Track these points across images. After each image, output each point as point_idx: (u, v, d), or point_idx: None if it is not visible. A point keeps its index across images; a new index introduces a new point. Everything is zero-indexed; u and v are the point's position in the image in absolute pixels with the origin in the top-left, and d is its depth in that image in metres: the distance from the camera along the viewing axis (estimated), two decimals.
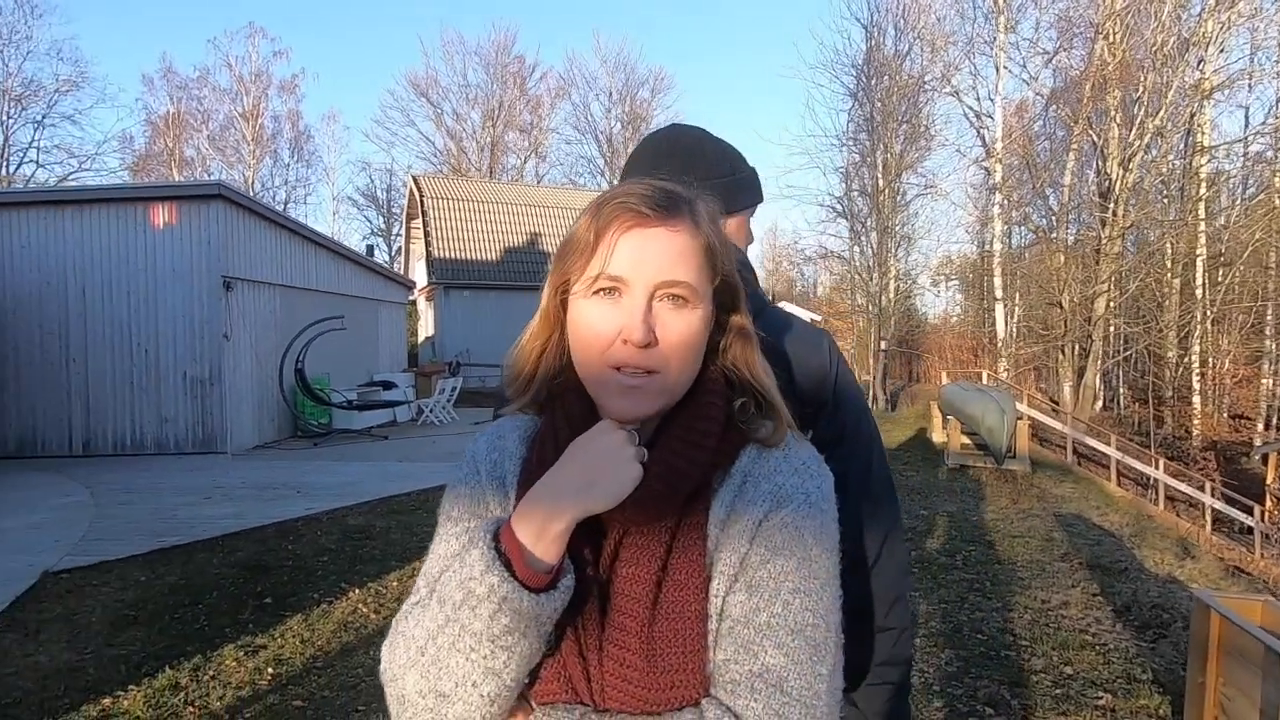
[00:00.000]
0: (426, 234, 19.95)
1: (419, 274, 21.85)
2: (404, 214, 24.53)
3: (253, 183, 32.25)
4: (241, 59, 32.43)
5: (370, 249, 19.07)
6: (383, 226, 37.79)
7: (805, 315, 33.93)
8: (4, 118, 26.01)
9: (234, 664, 3.49)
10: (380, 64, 50.36)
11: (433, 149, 35.55)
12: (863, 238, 17.46)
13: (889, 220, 17.09)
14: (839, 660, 0.71)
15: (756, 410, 0.76)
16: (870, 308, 17.34)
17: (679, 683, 0.66)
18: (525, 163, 37.56)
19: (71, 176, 26.48)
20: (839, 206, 17.78)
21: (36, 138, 27.18)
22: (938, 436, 11.36)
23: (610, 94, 38.03)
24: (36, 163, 26.80)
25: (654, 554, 0.69)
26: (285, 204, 33.58)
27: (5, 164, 25.92)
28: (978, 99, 18.36)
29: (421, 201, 20.35)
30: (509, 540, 0.65)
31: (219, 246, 9.48)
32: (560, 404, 0.76)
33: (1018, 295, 19.55)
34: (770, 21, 57.92)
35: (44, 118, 26.77)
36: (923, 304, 26.17)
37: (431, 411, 12.81)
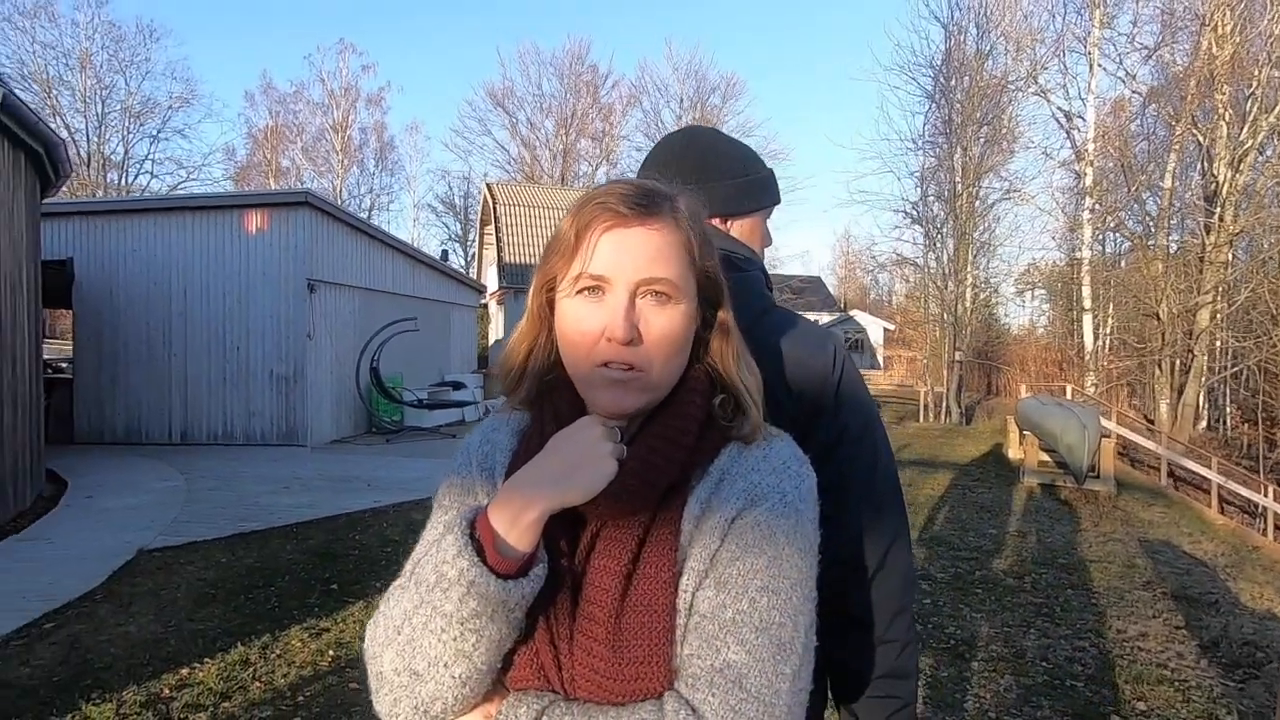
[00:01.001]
0: (498, 239, 20.53)
1: (491, 278, 22.48)
2: (478, 220, 25.31)
3: (340, 191, 34.01)
4: (333, 74, 34.32)
5: (445, 254, 19.78)
6: (459, 232, 39.10)
7: (878, 324, 32.93)
8: (125, 133, 28.46)
9: (299, 644, 3.69)
10: (460, 76, 52.65)
11: (507, 157, 36.53)
12: (938, 244, 16.82)
13: (966, 226, 16.39)
14: (806, 662, 0.71)
15: (737, 408, 0.77)
16: (945, 317, 16.66)
17: (644, 674, 0.67)
18: (596, 169, 38.08)
19: (180, 186, 28.74)
20: (914, 212, 17.20)
21: (152, 151, 29.63)
22: (1013, 453, 10.81)
23: (681, 101, 38.09)
24: (151, 174, 29.21)
25: (626, 547, 0.70)
26: (370, 211, 35.26)
27: (125, 174, 28.36)
28: (1067, 98, 17.41)
29: (494, 208, 20.96)
30: (484, 527, 0.67)
31: (304, 251, 10.07)
32: (549, 400, 0.79)
33: (1110, 305, 18.37)
34: (843, 24, 56.78)
35: (159, 132, 29.19)
36: (1005, 314, 24.97)
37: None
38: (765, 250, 1.20)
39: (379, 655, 0.69)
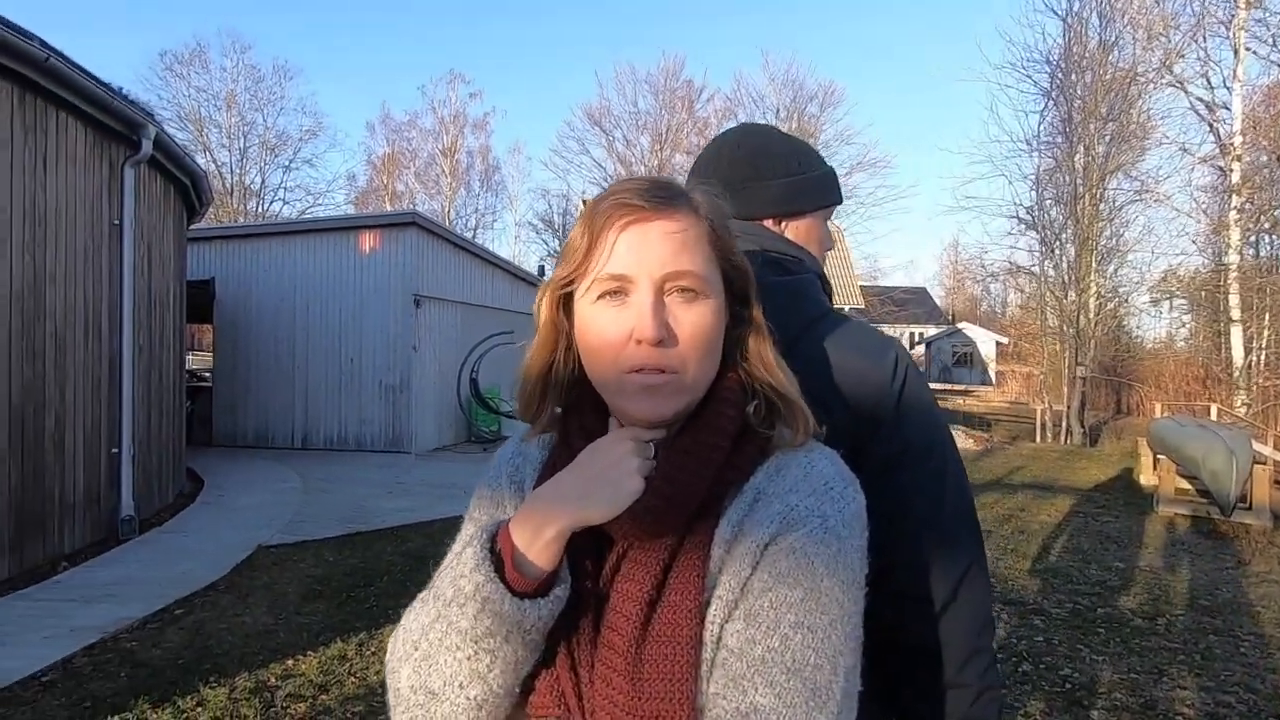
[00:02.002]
0: None
1: None
2: None
3: (449, 212, 35.92)
4: (443, 102, 36.40)
5: (542, 269, 20.39)
6: (558, 249, 40.30)
7: (989, 337, 30.95)
8: (262, 164, 31.37)
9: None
10: (560, 99, 54.51)
11: (604, 174, 37.34)
12: (1056, 251, 15.59)
13: (1089, 231, 15.11)
14: (846, 710, 0.63)
15: (770, 413, 0.72)
16: (1065, 329, 15.39)
17: (664, 712, 0.62)
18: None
19: (307, 211, 31.31)
20: (1028, 217, 16.05)
21: (284, 179, 32.48)
22: (1146, 478, 9.79)
23: (778, 111, 37.60)
24: (283, 200, 32.02)
25: (651, 571, 0.65)
26: (475, 230, 36.99)
27: (262, 202, 31.23)
28: (1209, 88, 15.75)
29: None
30: (505, 542, 0.65)
31: (411, 268, 10.68)
32: (575, 414, 0.75)
33: (1266, 316, 16.37)
34: (949, 24, 54.30)
35: (290, 162, 31.97)
36: (1137, 326, 22.76)
37: None
38: (825, 253, 1.13)
39: (397, 670, 0.67)
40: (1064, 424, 14.98)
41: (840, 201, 1.11)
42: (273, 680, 3.40)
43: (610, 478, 0.65)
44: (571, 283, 0.71)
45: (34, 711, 3.08)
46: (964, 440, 13.13)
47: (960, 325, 34.60)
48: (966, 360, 32.15)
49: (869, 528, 0.86)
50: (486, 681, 0.63)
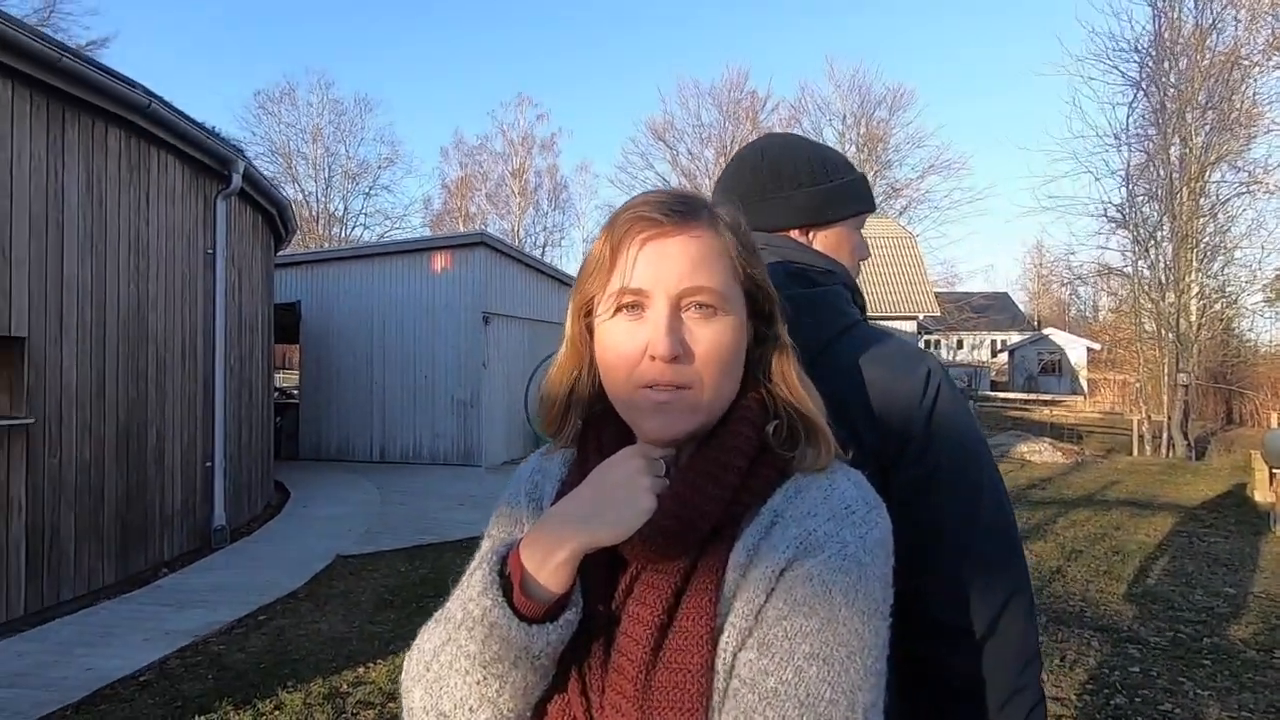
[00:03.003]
0: None
1: None
2: None
3: (518, 231, 36.92)
4: (512, 125, 37.56)
5: None
6: None
7: (1079, 343, 29.16)
8: (345, 192, 33.16)
9: None
10: (624, 116, 55.14)
11: (669, 188, 37.52)
12: (1151, 250, 14.54)
13: (1187, 227, 14.04)
14: None
15: (792, 434, 0.69)
16: (1163, 333, 14.30)
17: None
18: None
19: (386, 235, 32.85)
20: (1119, 215, 15.05)
21: (364, 206, 34.19)
22: (1261, 495, 8.95)
23: (844, 117, 36.96)
24: (364, 226, 33.72)
25: (663, 595, 0.63)
26: (543, 248, 37.86)
27: (345, 227, 32.98)
28: None
29: None
30: (515, 565, 0.63)
31: (480, 286, 11.01)
32: (594, 431, 0.74)
33: None
34: (1025, 17, 51.98)
35: (370, 189, 33.63)
36: (1249, 328, 20.92)
37: None
38: (860, 262, 1.08)
39: (410, 691, 0.67)
40: (1164, 435, 13.90)
41: (872, 209, 1.07)
42: (345, 686, 3.53)
43: (621, 497, 0.64)
44: (592, 298, 0.71)
45: (131, 709, 3.30)
46: (1052, 453, 12.37)
47: (1046, 331, 32.78)
48: (1054, 368, 30.40)
49: (896, 553, 0.82)
50: (497, 705, 0.62)
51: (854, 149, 36.64)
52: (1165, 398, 14.05)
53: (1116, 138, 15.14)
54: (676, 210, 0.67)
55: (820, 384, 0.82)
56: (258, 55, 53.19)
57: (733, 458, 0.66)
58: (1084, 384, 27.30)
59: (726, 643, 0.61)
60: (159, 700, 3.39)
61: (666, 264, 0.66)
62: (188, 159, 5.85)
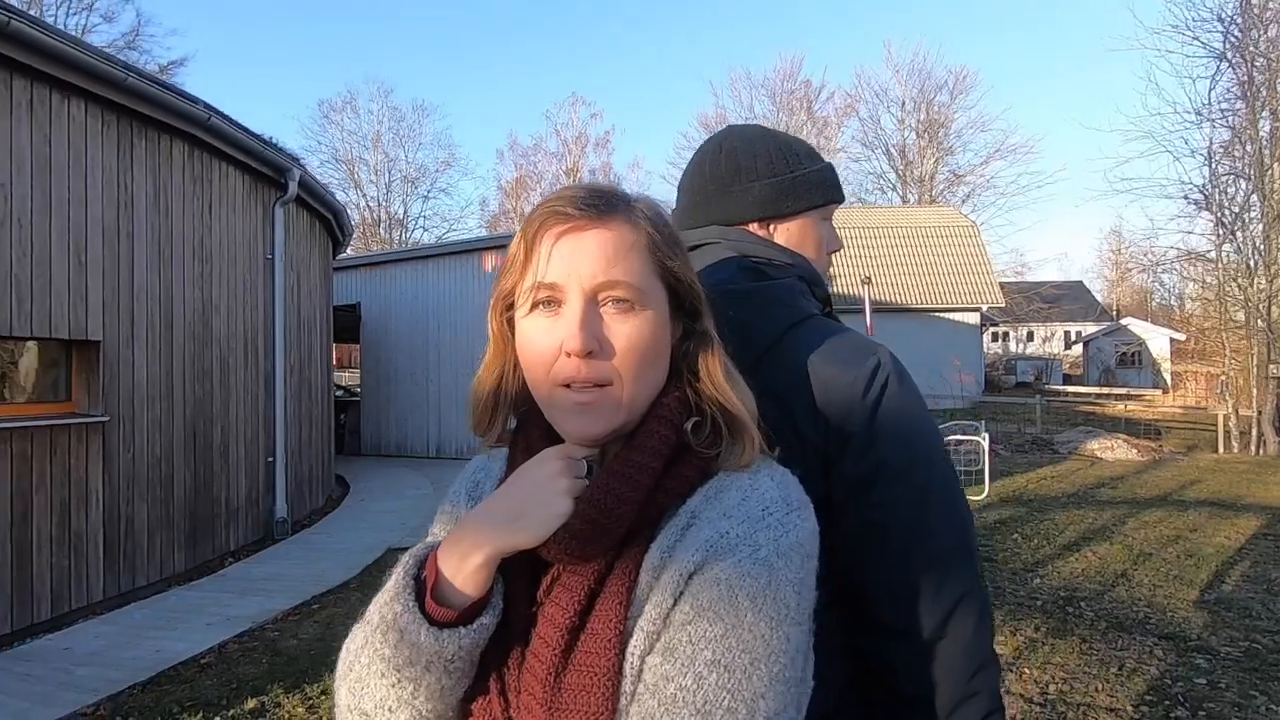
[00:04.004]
0: None
1: None
2: None
3: None
4: (566, 125, 37.95)
5: None
6: None
7: (1161, 334, 27.43)
8: (404, 196, 34.23)
9: None
10: (676, 111, 55.04)
11: None
12: (1238, 232, 13.54)
13: None
14: None
15: (716, 432, 0.67)
16: (1253, 321, 13.30)
17: None
18: None
19: (444, 236, 33.76)
20: (1201, 196, 14.08)
21: (423, 209, 35.26)
22: None
23: (903, 104, 35.88)
24: (423, 228, 34.71)
25: (576, 597, 0.62)
26: None
27: (404, 230, 34.04)
28: None
29: None
30: (431, 569, 0.63)
31: None
32: (523, 430, 0.74)
33: None
34: None
35: (428, 193, 34.65)
36: None
37: None
38: (830, 254, 1.05)
39: (337, 689, 0.67)
40: (1254, 431, 12.95)
41: (839, 200, 1.03)
42: None
43: (537, 500, 0.63)
44: (512, 294, 0.70)
45: (191, 689, 3.51)
46: (1126, 450, 11.71)
47: (1124, 321, 30.98)
48: (1133, 360, 28.72)
49: (840, 551, 0.79)
50: (413, 706, 0.62)
51: (914, 135, 35.53)
52: (1255, 390, 13.09)
53: (1198, 114, 14.15)
54: (592, 204, 0.66)
55: (767, 379, 0.80)
56: (322, 67, 55.42)
57: (647, 458, 0.65)
58: (1166, 377, 25.70)
59: (635, 646, 0.60)
60: (217, 682, 3.58)
61: (580, 258, 0.65)
62: (247, 169, 6.15)
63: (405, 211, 35.01)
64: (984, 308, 20.85)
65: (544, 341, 0.66)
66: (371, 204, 33.34)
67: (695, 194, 1.01)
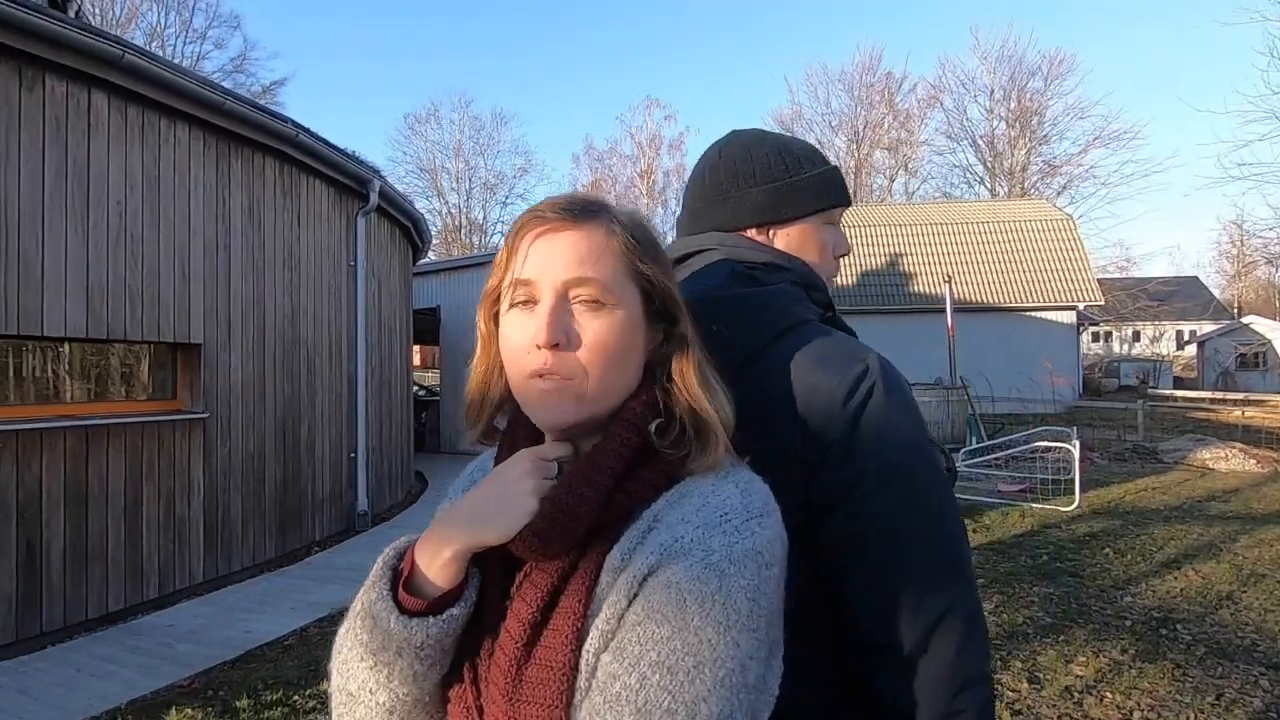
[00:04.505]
0: None
1: None
2: None
3: None
4: (640, 128, 38.22)
5: None
6: None
7: None
8: (484, 203, 35.38)
9: None
10: (751, 109, 54.34)
11: None
12: None
13: None
14: None
15: (684, 435, 0.69)
16: None
17: None
18: (893, 181, 36.01)
19: None
20: None
21: (501, 214, 36.28)
22: None
23: (991, 92, 34.14)
24: (500, 233, 35.76)
25: (540, 593, 0.65)
26: None
27: (484, 235, 35.18)
28: None
29: None
30: (408, 561, 0.67)
31: None
32: (510, 431, 0.77)
33: None
34: None
35: (506, 199, 35.61)
36: None
37: None
38: (838, 258, 1.03)
39: (331, 670, 0.72)
40: None
41: (843, 203, 1.01)
42: None
43: (506, 498, 0.66)
44: (497, 294, 0.74)
45: (274, 668, 3.76)
46: (1243, 460, 10.70)
47: (1246, 319, 28.33)
48: (1255, 361, 26.23)
49: (820, 561, 0.79)
50: (391, 690, 0.66)
51: (1003, 125, 33.74)
52: None
53: None
54: (569, 210, 0.70)
55: (752, 386, 0.80)
56: (409, 82, 58.00)
57: (607, 460, 0.67)
58: None
59: (590, 644, 0.62)
60: (297, 663, 3.83)
61: (553, 256, 0.68)
62: (331, 181, 6.54)
63: (485, 217, 36.23)
64: (1080, 306, 19.55)
65: (519, 336, 0.69)
66: (453, 211, 34.69)
67: (695, 201, 1.02)
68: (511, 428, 0.77)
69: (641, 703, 0.57)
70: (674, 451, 0.68)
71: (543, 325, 0.66)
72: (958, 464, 8.58)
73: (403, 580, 0.66)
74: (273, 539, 5.73)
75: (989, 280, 19.61)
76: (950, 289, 12.86)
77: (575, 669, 0.62)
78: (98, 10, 25.18)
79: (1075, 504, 7.38)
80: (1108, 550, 5.88)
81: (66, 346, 4.56)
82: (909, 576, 0.74)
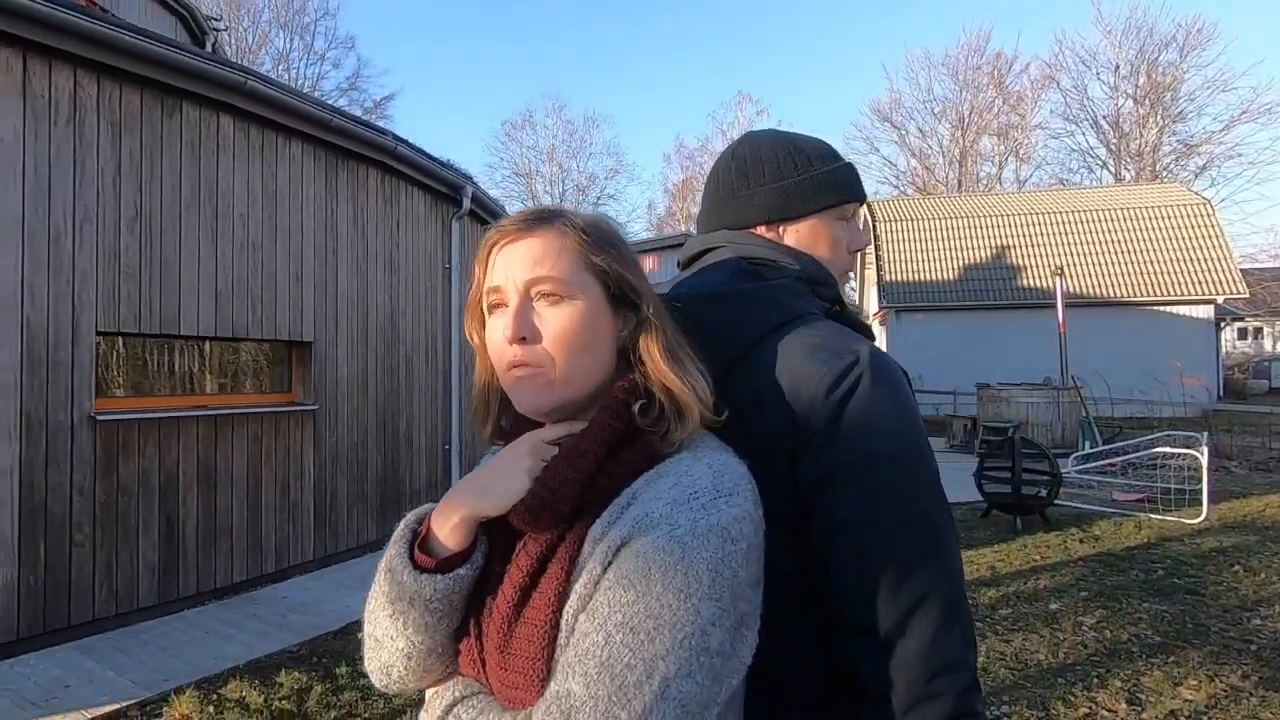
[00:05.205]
0: (878, 259, 19.85)
1: (872, 300, 21.82)
2: None
3: None
4: (731, 124, 37.91)
5: None
6: None
7: None
8: (576, 204, 36.23)
9: None
10: (847, 101, 52.54)
11: (895, 172, 35.10)
12: None
13: None
14: (663, 715, 0.63)
15: (663, 412, 0.75)
16: None
17: (521, 685, 0.69)
18: (1002, 169, 33.87)
19: None
20: None
21: None
22: None
23: (1116, 68, 31.41)
24: None
25: (532, 559, 0.72)
26: None
27: None
28: None
29: (874, 227, 20.35)
30: (426, 525, 0.78)
31: None
32: (518, 424, 0.84)
33: None
34: None
35: (597, 199, 36.26)
36: None
37: None
38: (849, 253, 1.04)
39: (364, 618, 0.82)
40: None
41: (854, 199, 1.02)
42: None
43: (504, 476, 0.75)
44: (479, 304, 0.83)
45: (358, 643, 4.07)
46: None
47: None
48: None
49: (804, 546, 0.82)
50: (406, 637, 0.75)
51: (1130, 103, 31.00)
52: None
53: None
54: (527, 221, 0.79)
55: (748, 379, 0.85)
56: (507, 90, 60.20)
57: (590, 444, 0.73)
58: None
59: (570, 606, 0.69)
60: None
61: (514, 262, 0.77)
62: (427, 189, 6.94)
63: None
64: (1220, 299, 17.70)
65: (496, 337, 0.78)
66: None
67: (708, 200, 1.06)
68: (519, 422, 0.84)
69: (605, 657, 0.63)
70: (657, 429, 0.74)
71: (508, 323, 0.75)
72: (1067, 469, 8.02)
73: (419, 541, 0.76)
74: (374, 522, 6.16)
75: (1110, 272, 18.09)
76: (1061, 282, 12.01)
77: (556, 627, 0.69)
78: (233, 40, 27.76)
79: (1202, 516, 6.74)
80: (1237, 567, 5.33)
81: (200, 344, 5.10)
82: (889, 561, 0.76)
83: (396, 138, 6.12)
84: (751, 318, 0.89)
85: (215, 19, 11.81)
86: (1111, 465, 8.49)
